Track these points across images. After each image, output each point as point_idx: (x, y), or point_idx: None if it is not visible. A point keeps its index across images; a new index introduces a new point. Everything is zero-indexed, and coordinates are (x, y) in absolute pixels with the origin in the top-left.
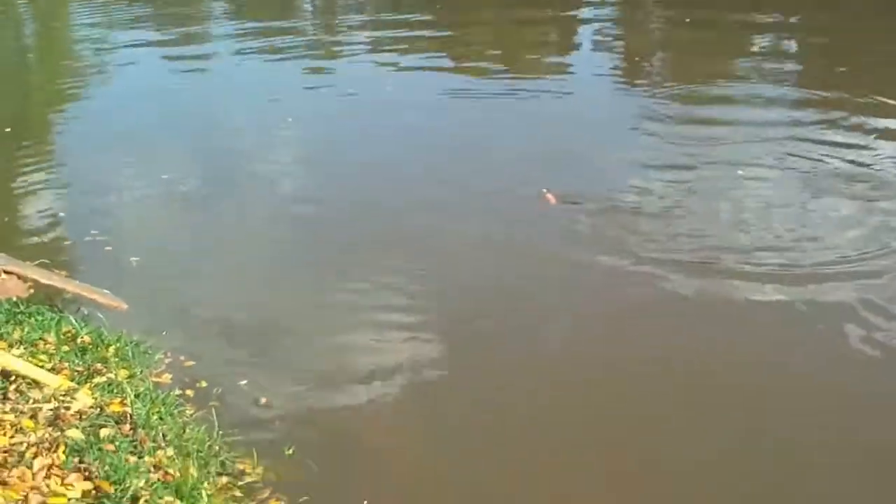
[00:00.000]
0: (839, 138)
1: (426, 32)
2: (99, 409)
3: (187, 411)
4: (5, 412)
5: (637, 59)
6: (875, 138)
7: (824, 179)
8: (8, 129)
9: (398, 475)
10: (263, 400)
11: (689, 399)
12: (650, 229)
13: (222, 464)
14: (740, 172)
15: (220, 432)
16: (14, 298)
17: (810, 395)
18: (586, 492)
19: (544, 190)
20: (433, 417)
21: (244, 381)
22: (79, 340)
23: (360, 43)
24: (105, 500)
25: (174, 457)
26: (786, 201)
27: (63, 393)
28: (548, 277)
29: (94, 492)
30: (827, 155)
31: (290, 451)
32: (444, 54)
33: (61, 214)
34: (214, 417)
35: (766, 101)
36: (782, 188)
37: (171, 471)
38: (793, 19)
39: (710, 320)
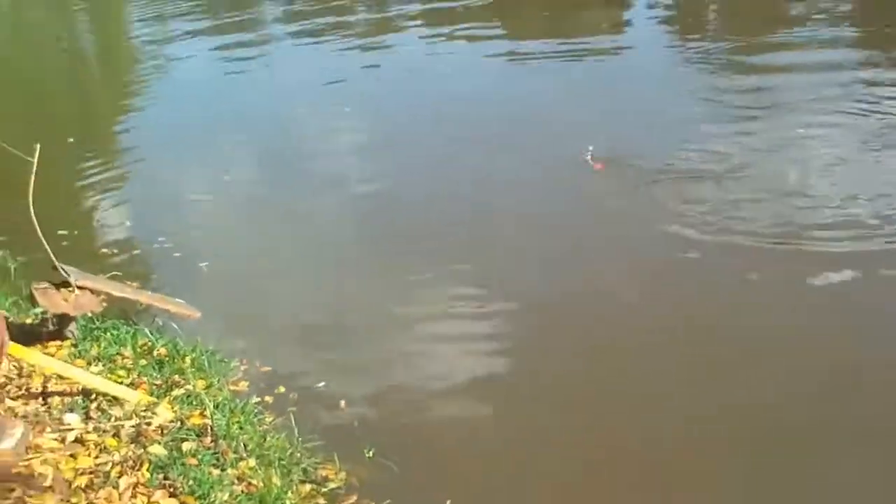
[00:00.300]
0: None
1: (478, 1)
2: (180, 423)
3: (267, 419)
4: (88, 432)
5: (691, 16)
6: None
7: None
8: (71, 140)
9: (479, 473)
10: (343, 403)
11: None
12: (708, 196)
13: (304, 471)
14: (800, 131)
15: (301, 439)
16: (89, 314)
17: None
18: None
19: (588, 157)
20: (511, 414)
21: (322, 384)
22: (155, 353)
23: (411, 19)
24: None
25: (256, 467)
26: (853, 159)
27: (143, 408)
28: (614, 254)
29: None
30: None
31: (371, 454)
32: (497, 23)
33: (128, 224)
34: (294, 424)
35: (826, 44)
36: (848, 144)
37: (254, 481)
38: None
39: (772, 299)
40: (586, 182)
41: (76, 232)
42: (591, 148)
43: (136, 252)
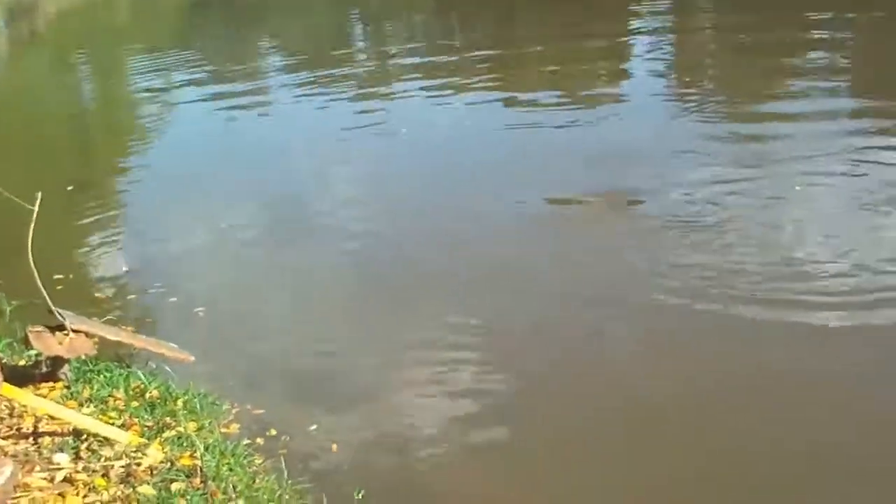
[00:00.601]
0: None
1: (480, 66)
2: (170, 464)
3: (256, 461)
4: (77, 471)
5: (691, 82)
6: None
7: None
8: (70, 188)
9: None
10: (334, 447)
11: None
12: (703, 255)
13: None
14: (797, 188)
15: (290, 481)
16: (83, 356)
17: None
18: None
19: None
20: (503, 459)
21: (313, 427)
22: (147, 395)
23: (413, 79)
24: None
25: None
26: (846, 217)
27: (134, 449)
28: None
29: None
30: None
31: (360, 496)
32: (497, 88)
33: (124, 269)
34: (283, 466)
35: (822, 115)
36: (842, 203)
37: None
38: (846, 34)
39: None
40: (574, 232)
41: (72, 276)
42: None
43: (131, 297)
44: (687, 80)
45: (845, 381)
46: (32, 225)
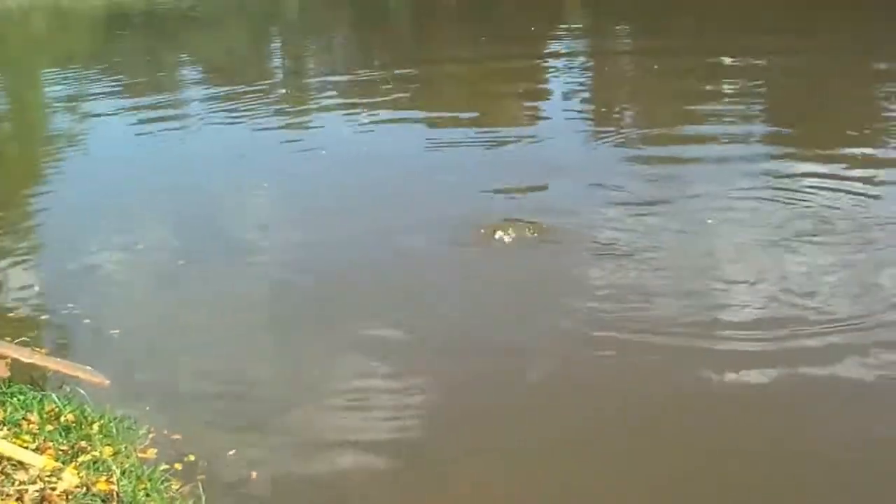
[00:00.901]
0: (813, 178)
1: (398, 86)
2: (85, 489)
3: (174, 486)
4: None
5: (607, 105)
6: (849, 175)
7: (801, 222)
8: None
9: None
10: (254, 474)
11: None
12: (614, 283)
13: None
14: (710, 221)
15: None
16: None
17: None
18: None
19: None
20: (425, 483)
21: (232, 452)
22: (62, 419)
23: (331, 97)
24: None
25: None
26: (763, 248)
27: (49, 473)
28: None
29: None
30: (801, 196)
31: None
32: (415, 108)
33: (36, 289)
34: (202, 492)
35: (737, 140)
36: (758, 232)
37: None
38: (759, 61)
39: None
40: (495, 259)
41: None
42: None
43: (44, 318)
44: (603, 101)
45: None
46: None
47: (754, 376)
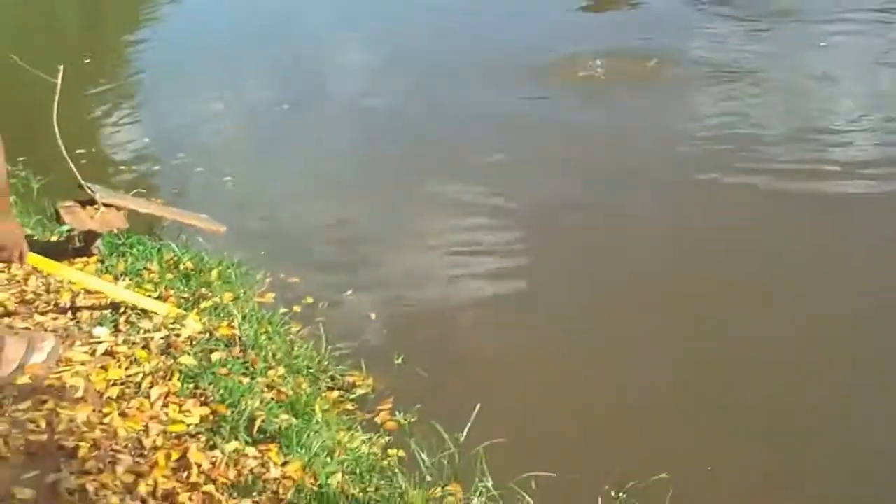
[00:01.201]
0: None
1: None
2: (208, 334)
3: (293, 329)
4: (118, 344)
5: None
6: None
7: None
8: (87, 60)
9: (507, 381)
10: (373, 315)
11: None
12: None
13: (332, 378)
14: (822, 44)
15: (329, 347)
16: (115, 230)
17: None
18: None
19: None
20: (534, 316)
21: (349, 293)
22: (181, 267)
23: None
24: (223, 423)
25: (285, 375)
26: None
27: (172, 321)
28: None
29: (211, 416)
30: None
31: (399, 361)
32: None
33: (146, 140)
34: (322, 332)
35: None
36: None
37: (284, 389)
38: None
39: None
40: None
41: (95, 150)
42: (598, 62)
43: (156, 168)
44: None
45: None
46: (56, 98)
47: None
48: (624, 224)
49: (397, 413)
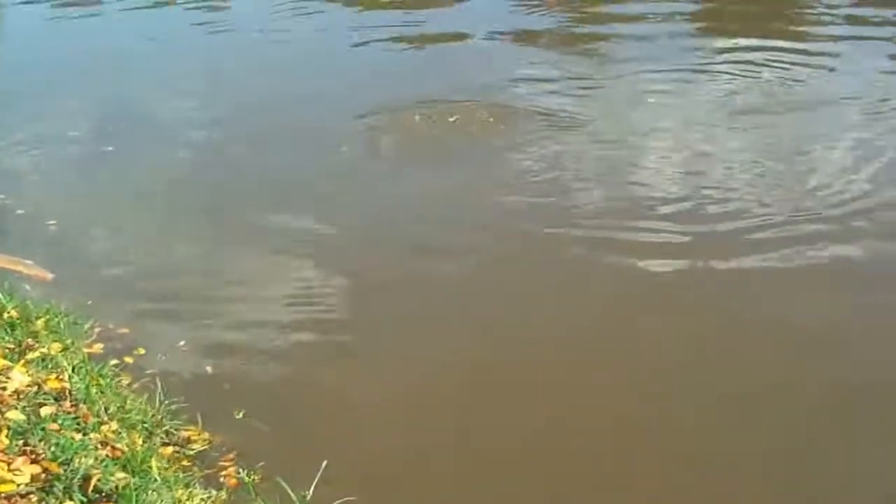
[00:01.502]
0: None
1: None
2: (37, 387)
3: (125, 381)
4: None
5: None
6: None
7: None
8: None
9: (353, 432)
10: (209, 369)
11: None
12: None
13: (167, 433)
14: (651, 100)
15: (165, 401)
16: None
17: None
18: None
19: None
20: (374, 367)
21: (182, 344)
22: (6, 315)
23: None
24: (55, 482)
25: (119, 430)
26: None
27: None
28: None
29: (43, 475)
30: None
31: (240, 415)
32: None
33: None
34: (158, 386)
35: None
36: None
37: (118, 445)
38: None
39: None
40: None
41: None
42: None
43: None
44: None
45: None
46: None
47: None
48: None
49: (241, 470)
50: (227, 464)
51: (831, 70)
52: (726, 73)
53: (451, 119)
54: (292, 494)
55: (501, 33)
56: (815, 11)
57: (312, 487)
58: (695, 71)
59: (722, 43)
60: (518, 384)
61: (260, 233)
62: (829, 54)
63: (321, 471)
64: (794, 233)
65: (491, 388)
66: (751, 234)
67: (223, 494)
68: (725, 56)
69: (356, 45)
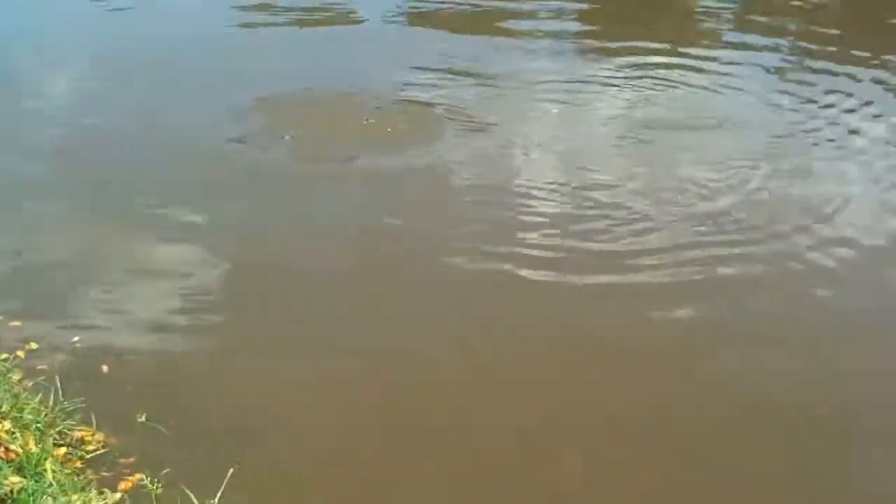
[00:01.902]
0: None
1: None
2: None
3: (15, 377)
4: None
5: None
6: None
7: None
8: None
9: (260, 439)
10: (105, 368)
11: None
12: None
13: (60, 433)
14: (554, 110)
15: (61, 400)
16: None
17: None
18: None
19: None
20: (285, 363)
21: (76, 339)
22: None
23: None
24: None
25: (13, 430)
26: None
27: None
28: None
29: None
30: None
31: (143, 419)
32: None
33: None
34: (57, 383)
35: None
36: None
37: (12, 447)
38: None
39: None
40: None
41: None
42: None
43: None
44: None
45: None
46: None
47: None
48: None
49: (143, 477)
50: (127, 470)
51: (733, 88)
52: (618, 86)
53: (366, 121)
54: (196, 503)
55: (396, 16)
56: (708, 23)
57: (218, 495)
58: (588, 82)
59: (618, 54)
60: (421, 383)
61: (150, 225)
62: (725, 71)
63: (227, 479)
64: (674, 247)
65: (403, 389)
66: (628, 253)
67: (123, 501)
68: (622, 67)
69: (243, 26)
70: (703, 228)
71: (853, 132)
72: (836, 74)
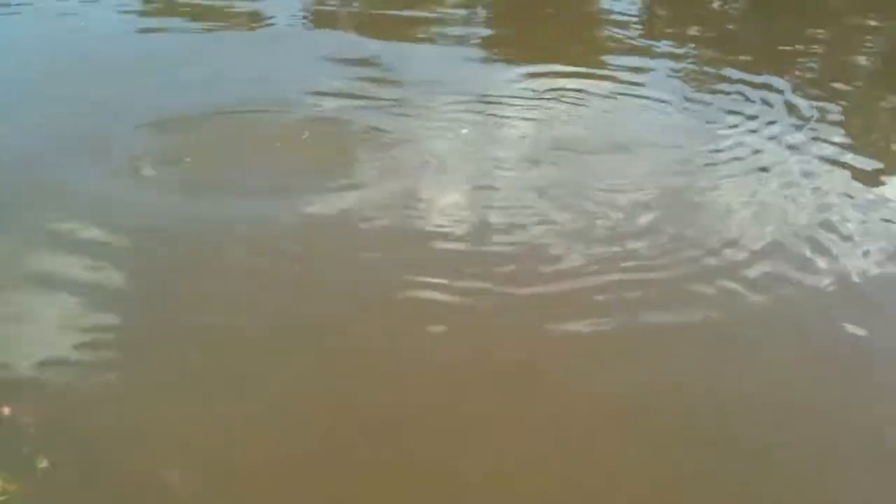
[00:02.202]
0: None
1: None
2: None
3: None
4: None
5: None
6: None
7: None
8: None
9: (178, 484)
10: (6, 410)
11: None
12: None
13: None
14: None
15: None
16: None
17: None
18: None
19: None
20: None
21: None
22: None
23: None
24: None
25: None
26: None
27: None
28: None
29: None
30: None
31: (45, 464)
32: None
33: None
34: None
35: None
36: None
37: None
38: None
39: None
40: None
41: None
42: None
43: None
44: None
45: None
46: None
47: None
48: None
49: None
50: None
51: (643, 108)
52: (523, 106)
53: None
54: None
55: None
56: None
57: None
58: (495, 102)
59: (528, 73)
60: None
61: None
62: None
63: None
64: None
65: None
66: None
67: None
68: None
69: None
70: (606, 251)
71: (757, 151)
72: (746, 97)
